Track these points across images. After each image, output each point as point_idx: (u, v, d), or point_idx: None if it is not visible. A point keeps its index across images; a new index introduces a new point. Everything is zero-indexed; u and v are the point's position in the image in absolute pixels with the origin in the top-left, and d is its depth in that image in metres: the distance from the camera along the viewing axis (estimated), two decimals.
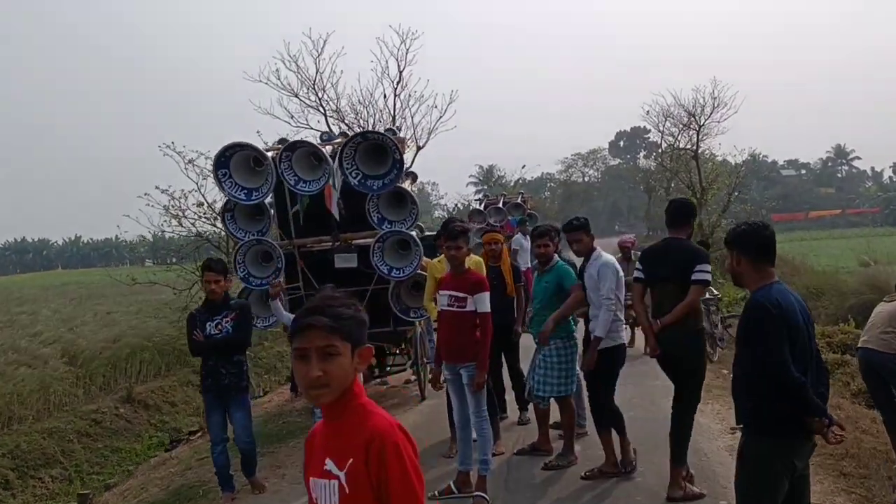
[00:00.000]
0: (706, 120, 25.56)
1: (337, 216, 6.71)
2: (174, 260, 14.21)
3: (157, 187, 12.71)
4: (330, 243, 6.92)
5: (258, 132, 13.96)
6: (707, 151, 26.53)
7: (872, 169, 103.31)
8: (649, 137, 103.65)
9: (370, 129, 15.82)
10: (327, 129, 15.23)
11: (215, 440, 5.55)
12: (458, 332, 4.94)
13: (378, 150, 6.46)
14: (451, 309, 4.94)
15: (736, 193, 26.44)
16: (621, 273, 5.43)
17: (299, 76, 15.61)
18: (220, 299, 5.59)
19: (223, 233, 12.98)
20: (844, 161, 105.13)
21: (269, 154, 6.48)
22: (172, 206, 12.86)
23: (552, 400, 5.75)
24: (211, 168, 6.46)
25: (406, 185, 6.80)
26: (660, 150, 36.95)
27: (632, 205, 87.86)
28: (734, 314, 10.25)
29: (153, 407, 11.55)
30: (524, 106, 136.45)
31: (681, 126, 28.17)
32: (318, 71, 15.52)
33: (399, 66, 15.99)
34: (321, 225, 6.86)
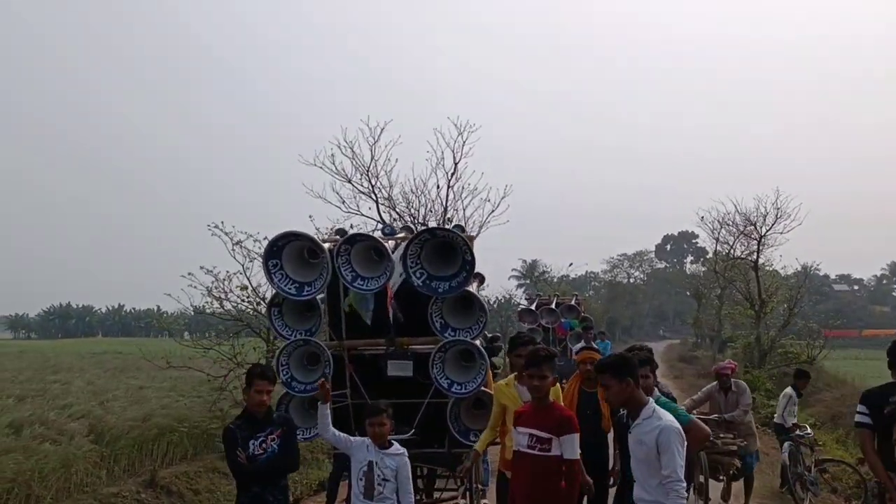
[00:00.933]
0: (767, 230, 24.92)
1: (391, 318, 6.02)
2: (213, 335, 13.60)
3: (201, 267, 12.24)
4: (384, 348, 6.17)
5: (310, 216, 13.65)
6: (768, 263, 25.78)
7: None
8: (697, 243, 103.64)
9: (423, 219, 15.50)
10: (378, 216, 14.99)
11: None
12: (539, 480, 4.16)
13: (446, 249, 5.79)
14: (531, 452, 4.13)
15: (796, 309, 25.45)
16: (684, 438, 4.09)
17: (354, 162, 15.41)
18: (264, 412, 4.91)
19: (265, 317, 12.42)
20: None
21: (326, 245, 5.85)
22: (216, 288, 12.35)
23: None
24: (261, 255, 5.83)
25: (473, 287, 6.07)
26: (712, 257, 36.14)
27: (678, 309, 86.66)
28: (835, 459, 9.19)
29: (176, 494, 10.68)
30: (574, 206, 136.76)
31: (737, 234, 27.58)
32: (372, 157, 15.28)
33: (455, 157, 15.70)
34: (371, 327, 6.14)
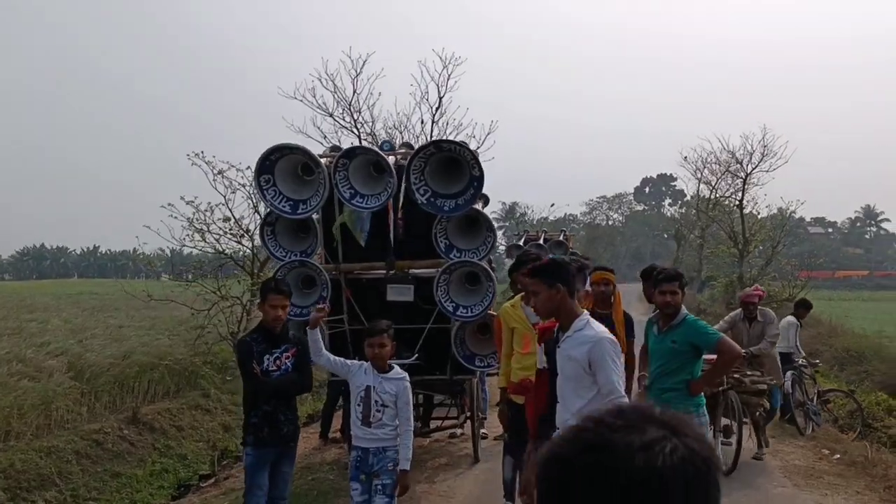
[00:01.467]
0: (753, 169, 24.78)
1: (392, 239, 5.67)
2: (190, 277, 13.14)
3: (181, 198, 11.70)
4: (384, 271, 5.83)
5: None
6: (753, 202, 25.69)
7: None
8: (675, 185, 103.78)
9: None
10: None
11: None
12: None
13: (452, 165, 5.42)
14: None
15: (782, 247, 25.57)
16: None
17: (336, 96, 14.79)
18: (280, 329, 4.62)
19: (248, 251, 11.98)
20: (873, 222, 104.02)
21: (323, 161, 5.45)
22: (197, 220, 11.81)
23: None
24: (245, 184, 5.41)
25: (479, 206, 5.72)
26: (693, 198, 36.16)
27: (655, 251, 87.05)
28: (836, 389, 9.07)
29: (159, 430, 10.38)
30: (554, 150, 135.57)
31: (720, 174, 27.45)
32: (355, 91, 14.66)
33: (439, 91, 15.12)
34: (367, 249, 5.79)
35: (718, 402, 6.30)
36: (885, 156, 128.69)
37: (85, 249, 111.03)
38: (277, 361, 4.54)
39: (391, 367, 4.39)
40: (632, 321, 5.30)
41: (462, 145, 5.15)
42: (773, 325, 7.44)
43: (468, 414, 6.67)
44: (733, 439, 6.42)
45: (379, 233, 5.66)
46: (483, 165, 5.20)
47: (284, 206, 5.40)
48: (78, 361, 12.37)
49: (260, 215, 9.53)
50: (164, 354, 13.70)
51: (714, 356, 4.70)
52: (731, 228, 25.80)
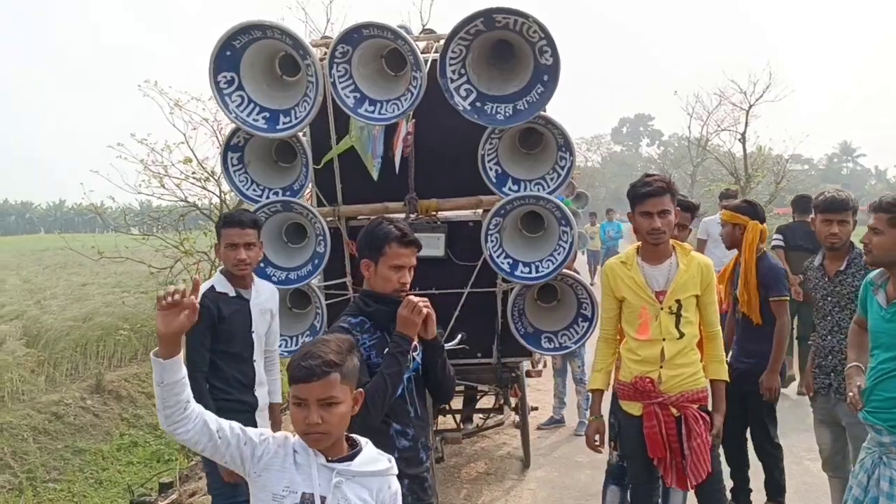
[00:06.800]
0: (758, 99, 23.49)
1: (407, 168, 3.93)
2: (153, 230, 11.39)
3: (132, 135, 9.82)
4: (402, 215, 4.06)
5: None
6: (755, 135, 24.62)
7: (877, 167, 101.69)
8: (652, 125, 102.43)
9: None
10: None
11: None
12: None
13: (505, 52, 3.63)
14: None
15: (782, 183, 24.49)
16: None
17: (308, 26, 12.70)
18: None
19: (216, 197, 10.18)
20: (850, 158, 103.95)
21: (314, 53, 3.63)
22: (153, 162, 9.97)
23: None
24: (208, 71, 3.56)
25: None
26: (673, 136, 35.49)
27: None
28: None
29: (126, 398, 9.54)
30: None
31: (718, 103, 26.28)
32: (328, 21, 12.58)
33: (422, 19, 13.07)
34: (377, 183, 4.01)
35: None
36: (864, 90, 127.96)
37: (51, 203, 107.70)
38: None
39: (355, 449, 2.02)
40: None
41: (528, 17, 3.33)
42: None
43: (516, 405, 5.00)
44: None
45: (384, 159, 3.89)
46: (559, 51, 3.40)
47: (257, 120, 3.60)
48: (34, 325, 11.41)
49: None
50: (129, 315, 12.49)
51: None
52: (732, 163, 24.61)
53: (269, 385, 3.48)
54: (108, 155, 9.95)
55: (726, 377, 3.31)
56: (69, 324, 12.15)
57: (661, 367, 3.13)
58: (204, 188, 10.42)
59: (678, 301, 3.14)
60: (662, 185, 3.10)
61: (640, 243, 3.22)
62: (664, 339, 3.13)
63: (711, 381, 3.28)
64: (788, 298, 4.06)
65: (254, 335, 3.34)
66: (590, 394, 3.46)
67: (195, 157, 10.09)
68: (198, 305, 2.00)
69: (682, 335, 3.15)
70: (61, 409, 8.87)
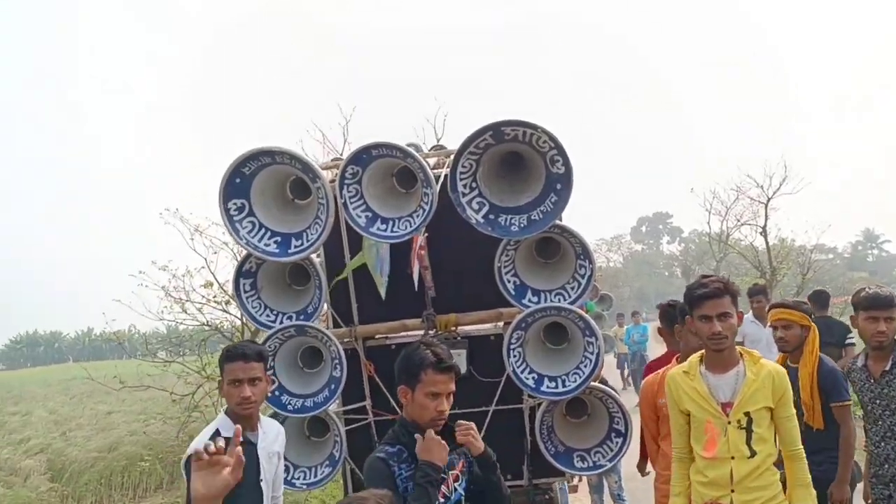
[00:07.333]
0: (775, 192, 23.58)
1: (428, 285, 3.83)
2: (176, 354, 11.36)
3: (153, 262, 9.94)
4: (421, 332, 3.94)
5: None
6: (776, 228, 24.54)
7: None
8: (671, 222, 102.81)
9: None
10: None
11: None
12: None
13: (516, 164, 3.59)
14: None
15: (808, 275, 24.21)
16: None
17: (325, 147, 13.04)
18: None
19: (238, 320, 10.16)
20: (874, 245, 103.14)
21: (326, 175, 3.62)
22: (174, 288, 10.04)
23: None
24: (218, 200, 3.55)
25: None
26: (693, 233, 35.62)
27: (658, 290, 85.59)
28: None
29: None
30: None
31: (735, 197, 26.31)
32: (345, 141, 12.93)
33: (437, 135, 13.39)
34: (390, 300, 3.91)
35: None
36: (880, 182, 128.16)
37: (79, 332, 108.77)
38: None
39: None
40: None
41: (536, 128, 3.31)
42: None
43: None
44: None
45: (400, 275, 3.81)
46: (570, 159, 3.35)
47: (269, 245, 3.56)
48: (59, 458, 11.88)
49: None
50: (153, 443, 12.39)
51: None
52: (755, 257, 24.44)
53: None
54: (131, 283, 10.05)
55: None
56: (93, 455, 12.19)
57: (731, 490, 2.85)
58: (225, 311, 10.44)
59: (747, 414, 2.88)
60: (720, 287, 2.93)
61: (702, 351, 3.04)
62: (733, 458, 2.85)
63: None
64: (850, 402, 3.82)
65: (262, 484, 3.08)
66: None
67: (216, 280, 10.16)
68: (242, 458, 1.77)
69: (753, 454, 2.86)
70: None
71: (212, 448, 1.74)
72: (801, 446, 2.98)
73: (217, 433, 3.06)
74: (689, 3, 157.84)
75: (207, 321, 10.62)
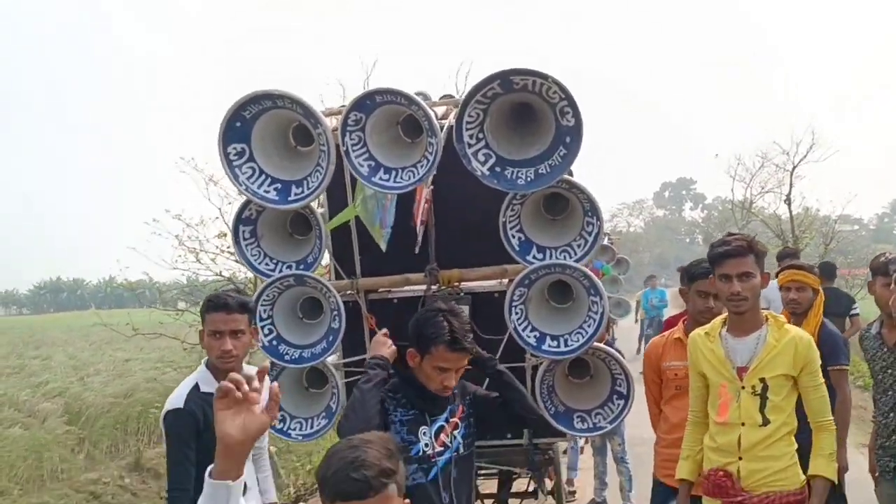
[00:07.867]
0: (801, 160, 23.18)
1: (427, 236, 3.77)
2: (187, 304, 11.46)
3: (166, 211, 9.95)
4: (423, 286, 3.87)
5: None
6: (801, 196, 24.16)
7: None
8: (695, 189, 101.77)
9: None
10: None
11: None
12: None
13: (525, 115, 3.47)
14: None
15: (832, 245, 23.91)
16: None
17: (345, 98, 12.94)
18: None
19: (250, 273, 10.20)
20: None
21: (329, 121, 3.53)
22: (188, 237, 10.07)
23: None
24: (217, 144, 3.46)
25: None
26: (716, 199, 35.20)
27: (678, 256, 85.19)
28: None
29: (164, 476, 9.46)
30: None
31: (760, 164, 25.90)
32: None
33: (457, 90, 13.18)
34: (394, 253, 3.83)
35: None
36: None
37: (101, 280, 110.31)
38: None
39: None
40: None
41: (546, 78, 3.17)
42: None
43: (552, 489, 4.66)
44: None
45: (404, 228, 3.72)
46: (581, 111, 3.22)
47: (268, 192, 3.48)
48: (76, 402, 11.55)
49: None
50: (168, 391, 12.52)
51: None
52: (778, 225, 24.14)
53: (260, 484, 3.20)
54: (146, 231, 10.10)
55: (831, 475, 2.83)
56: (109, 400, 12.27)
57: (739, 458, 2.77)
58: (238, 262, 10.46)
59: (763, 381, 2.79)
60: (742, 245, 2.84)
61: (726, 314, 2.95)
62: (743, 424, 2.77)
63: (810, 478, 2.84)
64: (848, 367, 3.72)
65: None
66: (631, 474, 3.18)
67: (231, 230, 10.17)
68: (279, 393, 1.55)
69: (766, 422, 2.76)
70: (99, 488, 8.85)
71: (245, 385, 1.47)
72: (831, 417, 2.88)
73: (196, 387, 3.01)
74: None
75: (221, 272, 10.68)
